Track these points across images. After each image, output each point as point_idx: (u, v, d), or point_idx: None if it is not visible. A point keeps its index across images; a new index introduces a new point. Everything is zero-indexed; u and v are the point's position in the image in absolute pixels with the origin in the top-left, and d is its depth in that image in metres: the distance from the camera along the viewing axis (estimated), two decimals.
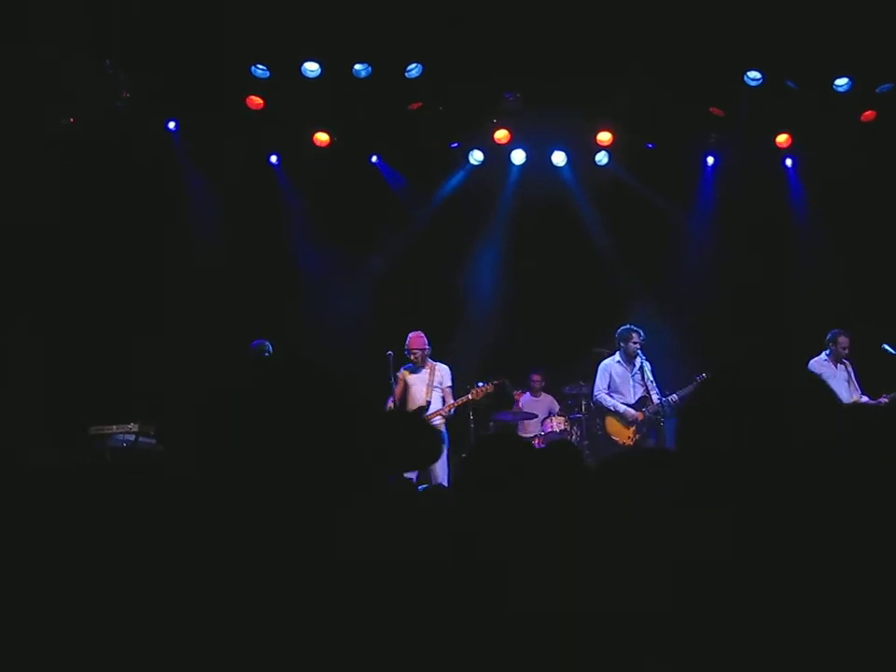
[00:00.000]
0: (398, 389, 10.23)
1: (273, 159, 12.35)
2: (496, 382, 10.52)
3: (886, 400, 9.72)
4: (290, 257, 12.27)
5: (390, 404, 10.09)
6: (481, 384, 10.39)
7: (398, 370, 10.30)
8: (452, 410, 10.24)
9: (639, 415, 10.04)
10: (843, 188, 11.85)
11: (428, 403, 10.10)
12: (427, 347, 10.22)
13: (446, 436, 10.06)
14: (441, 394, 10.28)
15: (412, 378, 10.26)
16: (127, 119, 10.57)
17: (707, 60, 10.87)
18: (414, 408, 10.05)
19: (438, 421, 10.09)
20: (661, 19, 10.17)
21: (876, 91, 11.48)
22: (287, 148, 12.18)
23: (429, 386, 10.18)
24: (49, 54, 9.28)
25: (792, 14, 10.03)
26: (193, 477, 1.73)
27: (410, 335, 10.28)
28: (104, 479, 2.01)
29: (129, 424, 9.82)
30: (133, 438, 9.74)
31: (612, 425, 10.21)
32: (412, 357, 10.24)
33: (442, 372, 10.32)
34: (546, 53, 10.65)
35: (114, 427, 9.85)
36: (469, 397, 10.30)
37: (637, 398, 10.11)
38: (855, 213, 11.84)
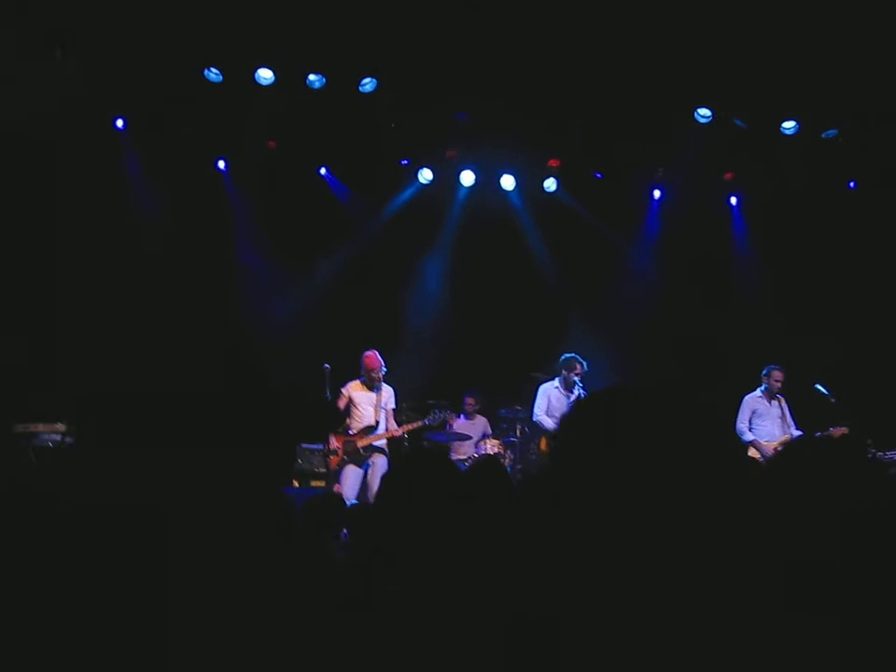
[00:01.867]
0: (341, 403, 10.12)
1: (221, 164, 12.25)
2: (451, 413, 10.63)
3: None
4: (233, 262, 12.16)
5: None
6: (437, 411, 10.47)
7: (341, 384, 10.21)
8: (405, 433, 10.32)
9: None
10: (785, 227, 12.03)
11: (377, 423, 10.06)
12: (382, 367, 10.12)
13: (387, 453, 10.09)
14: (385, 415, 10.22)
15: (360, 396, 10.16)
16: (74, 113, 10.41)
17: (660, 95, 10.98)
18: (362, 427, 10.02)
19: (383, 442, 10.12)
20: (616, 52, 10.25)
21: (822, 135, 11.69)
22: (235, 154, 12.09)
23: (377, 407, 10.11)
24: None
25: (745, 55, 10.17)
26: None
27: (367, 354, 10.12)
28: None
29: (56, 423, 9.65)
30: (59, 438, 9.57)
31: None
32: (371, 379, 10.10)
33: (388, 394, 10.28)
34: (501, 78, 10.69)
35: (40, 425, 9.67)
36: (426, 422, 10.35)
37: None
38: (795, 252, 12.04)
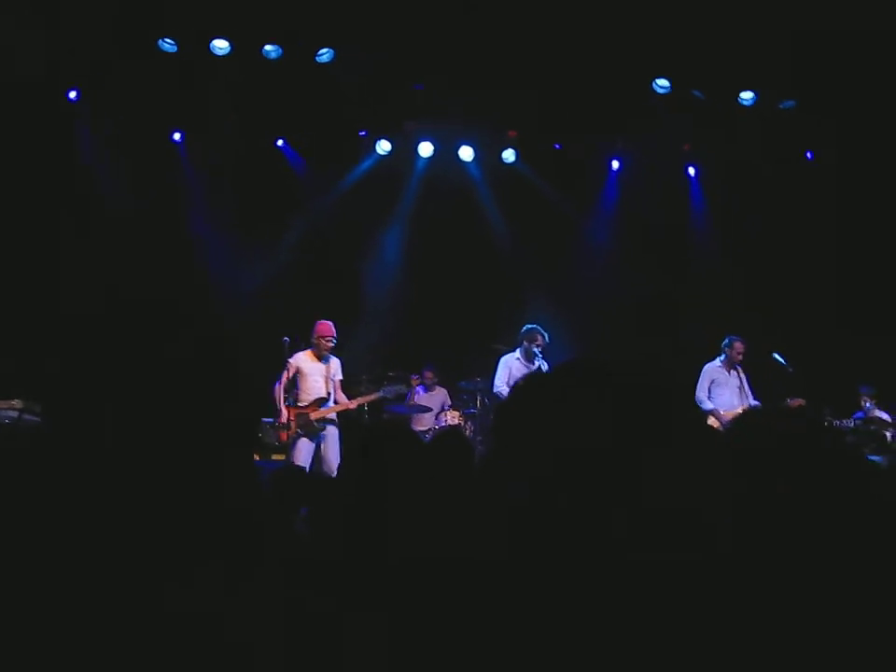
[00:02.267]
0: (287, 375, 9.83)
1: (177, 136, 12.11)
2: (413, 376, 10.64)
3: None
4: (188, 234, 12.03)
5: (277, 389, 9.87)
6: (394, 384, 10.46)
7: (287, 356, 10.06)
8: (362, 405, 10.27)
9: None
10: (743, 197, 12.11)
11: (329, 395, 9.96)
12: (335, 338, 10.01)
13: (337, 423, 10.01)
14: (333, 385, 10.11)
15: (309, 367, 9.95)
16: (26, 83, 10.23)
17: (618, 65, 10.97)
18: (312, 399, 9.89)
19: (334, 414, 10.02)
20: (576, 23, 10.22)
21: (779, 106, 11.74)
22: (190, 126, 11.95)
23: (327, 378, 9.98)
24: None
25: (703, 26, 10.18)
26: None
27: (319, 323, 9.95)
28: None
29: (12, 400, 9.52)
30: (16, 415, 9.45)
31: None
32: (321, 346, 9.93)
33: (336, 365, 10.12)
34: (459, 48, 10.64)
35: None
36: (382, 394, 10.30)
37: None
38: (753, 222, 12.12)
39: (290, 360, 9.88)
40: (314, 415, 9.79)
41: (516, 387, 1.68)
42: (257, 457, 10.63)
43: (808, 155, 12.45)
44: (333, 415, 9.98)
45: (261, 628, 1.59)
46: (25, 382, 9.52)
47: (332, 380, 10.03)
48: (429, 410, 11.59)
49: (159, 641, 1.50)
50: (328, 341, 9.90)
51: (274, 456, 10.92)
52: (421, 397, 11.90)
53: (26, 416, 9.41)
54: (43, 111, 10.81)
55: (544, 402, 1.60)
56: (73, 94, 11.21)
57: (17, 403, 9.51)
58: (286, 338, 9.86)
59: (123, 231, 11.13)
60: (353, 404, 10.06)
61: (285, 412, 9.76)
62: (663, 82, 11.57)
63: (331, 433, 9.89)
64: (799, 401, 9.84)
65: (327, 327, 9.94)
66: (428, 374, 11.96)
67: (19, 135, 10.58)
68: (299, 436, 9.75)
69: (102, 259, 10.84)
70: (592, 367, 1.65)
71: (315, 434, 9.80)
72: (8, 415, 9.46)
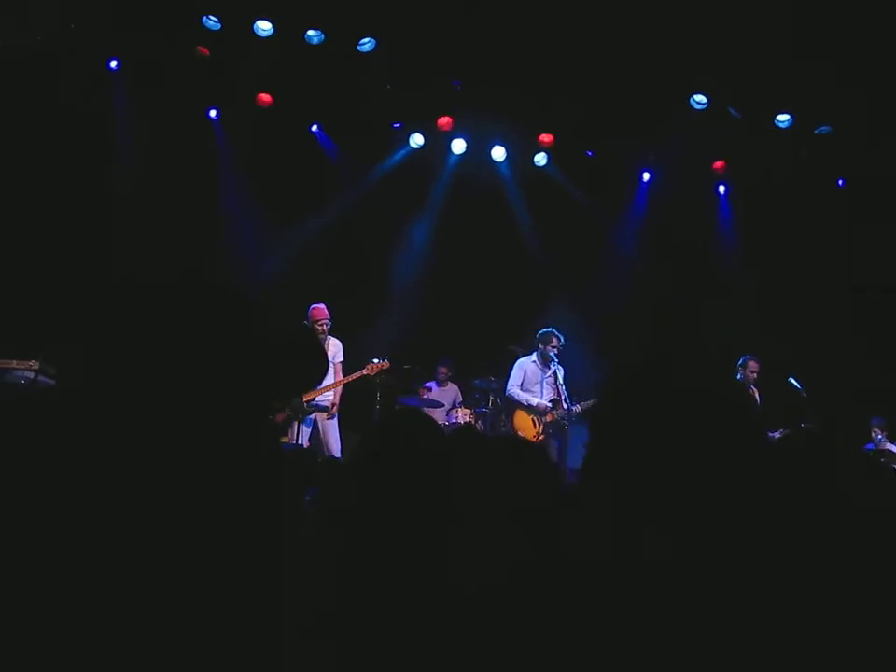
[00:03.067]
0: None
1: (213, 113, 12.16)
2: (387, 361, 10.43)
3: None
4: (219, 212, 12.10)
5: None
6: (375, 360, 10.24)
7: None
8: (343, 384, 10.20)
9: (549, 416, 10.14)
10: (772, 220, 12.09)
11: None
12: (329, 320, 10.06)
13: (335, 414, 10.08)
14: (333, 368, 10.18)
15: None
16: (66, 50, 10.28)
17: (657, 78, 10.96)
18: None
19: (329, 395, 10.06)
20: (617, 32, 10.22)
21: (815, 131, 11.72)
22: (227, 104, 12.00)
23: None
24: None
25: (745, 45, 10.17)
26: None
27: (313, 306, 10.04)
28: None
29: (29, 361, 9.58)
30: (31, 375, 9.50)
31: (520, 421, 10.27)
32: (317, 329, 9.92)
33: (337, 347, 10.19)
34: (500, 50, 10.65)
35: (13, 362, 9.60)
36: (364, 372, 10.20)
37: (547, 400, 10.20)
38: (780, 245, 12.09)
39: None
40: (305, 397, 9.83)
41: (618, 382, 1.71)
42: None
43: (839, 182, 12.40)
44: (327, 399, 10.04)
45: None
46: (44, 343, 9.58)
47: (332, 362, 10.07)
48: (441, 405, 11.60)
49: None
50: (321, 324, 9.94)
51: (282, 439, 10.99)
52: (433, 392, 11.92)
53: (42, 378, 9.47)
54: (82, 79, 10.87)
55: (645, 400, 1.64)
56: (113, 64, 11.26)
57: (34, 364, 9.57)
58: (305, 322, 9.95)
59: (152, 204, 11.17)
60: (339, 384, 10.08)
61: None
62: (700, 98, 11.55)
63: (328, 423, 9.98)
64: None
65: (319, 310, 10.01)
66: (442, 370, 11.98)
67: (55, 102, 10.63)
68: (290, 419, 9.83)
69: (130, 231, 10.89)
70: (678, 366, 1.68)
71: (304, 416, 9.85)
72: (25, 376, 9.52)
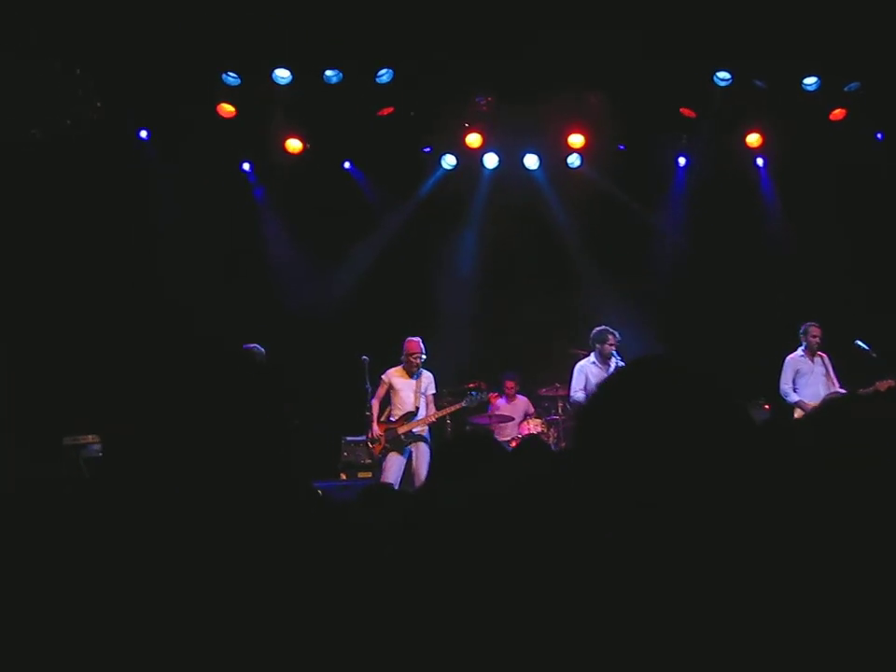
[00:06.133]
0: (381, 391, 10.26)
1: (246, 166, 12.33)
2: (491, 392, 10.72)
3: None
4: (264, 262, 12.29)
5: (373, 404, 10.15)
6: (474, 393, 10.56)
7: (381, 372, 10.31)
8: (438, 418, 10.40)
9: None
10: (813, 186, 11.92)
11: (417, 409, 10.16)
12: (423, 353, 10.22)
13: (429, 440, 10.17)
14: (425, 401, 10.31)
15: (401, 383, 10.25)
16: (97, 128, 10.49)
17: (677, 60, 10.90)
18: (402, 413, 10.13)
19: (426, 430, 10.25)
20: (631, 21, 10.18)
21: (844, 89, 11.56)
22: (258, 155, 12.17)
23: (417, 393, 10.21)
24: (12, 64, 9.19)
25: (760, 14, 10.08)
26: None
27: (407, 341, 10.23)
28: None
29: (88, 436, 9.80)
30: (98, 448, 9.69)
31: None
32: (411, 362, 10.19)
33: (428, 380, 10.38)
34: (517, 56, 10.66)
35: (88, 437, 9.80)
36: (463, 404, 10.45)
37: None
38: (825, 211, 11.90)
39: (383, 377, 10.23)
40: (401, 429, 10.05)
41: (596, 393, 1.71)
42: (343, 477, 10.90)
43: (878, 136, 12.20)
44: (424, 431, 10.17)
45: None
46: (95, 415, 9.69)
47: (423, 395, 10.22)
48: (511, 419, 11.63)
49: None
50: (415, 357, 10.16)
51: (361, 475, 11.10)
52: (503, 407, 11.93)
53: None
54: (114, 152, 11.10)
55: (624, 401, 1.64)
56: (143, 133, 11.49)
57: (92, 438, 9.75)
58: (365, 357, 10.12)
59: (202, 266, 11.33)
60: (433, 417, 10.24)
61: (375, 427, 10.04)
62: (724, 74, 11.47)
63: (422, 448, 10.07)
64: (889, 382, 9.58)
65: (414, 344, 10.19)
66: (509, 384, 12.00)
67: (92, 180, 10.86)
68: (388, 450, 10.00)
69: (178, 292, 11.04)
70: (657, 365, 1.69)
71: (402, 448, 10.04)
72: (94, 449, 9.69)
